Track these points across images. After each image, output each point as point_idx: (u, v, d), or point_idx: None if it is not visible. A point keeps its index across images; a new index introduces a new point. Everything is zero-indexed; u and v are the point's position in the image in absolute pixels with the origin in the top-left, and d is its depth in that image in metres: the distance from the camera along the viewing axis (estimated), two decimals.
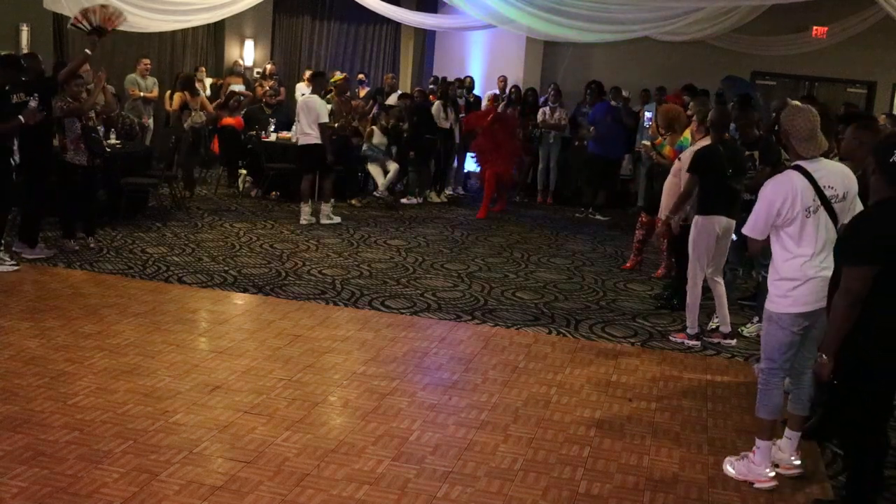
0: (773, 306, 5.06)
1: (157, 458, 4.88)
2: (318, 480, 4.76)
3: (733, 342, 7.60)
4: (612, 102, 13.91)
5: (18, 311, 7.40)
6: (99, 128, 9.98)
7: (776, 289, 5.05)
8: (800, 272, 4.92)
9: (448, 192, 15.01)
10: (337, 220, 11.98)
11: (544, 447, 5.40)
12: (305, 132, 11.64)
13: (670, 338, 7.75)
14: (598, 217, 13.69)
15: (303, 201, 11.88)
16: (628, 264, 10.36)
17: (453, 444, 5.36)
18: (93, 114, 9.66)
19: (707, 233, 7.33)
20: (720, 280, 7.58)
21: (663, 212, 8.45)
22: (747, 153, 7.88)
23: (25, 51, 12.74)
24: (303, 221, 11.74)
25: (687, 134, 8.73)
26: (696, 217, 7.40)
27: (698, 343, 7.60)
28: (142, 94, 13.82)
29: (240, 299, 8.26)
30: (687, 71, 15.32)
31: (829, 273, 4.64)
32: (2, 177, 8.48)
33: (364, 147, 13.75)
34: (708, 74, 14.99)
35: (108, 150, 10.27)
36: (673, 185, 8.30)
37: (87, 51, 9.30)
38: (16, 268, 8.59)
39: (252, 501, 4.50)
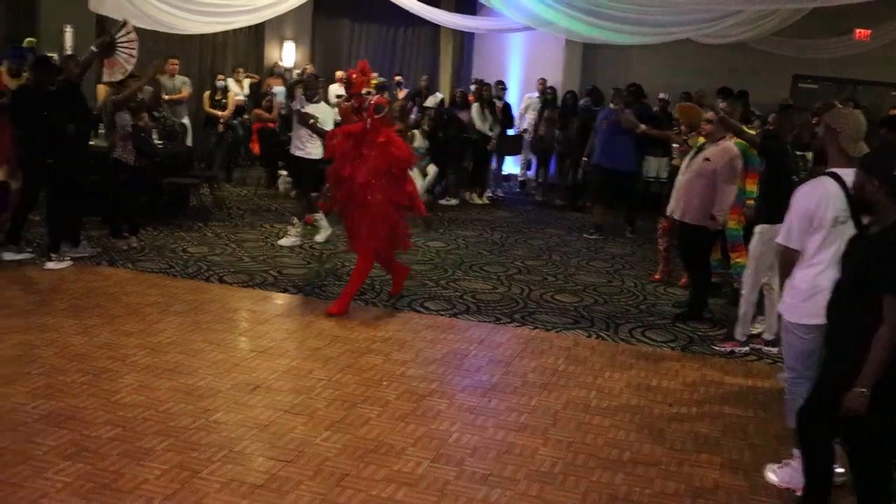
0: (788, 315, 4.97)
1: (199, 456, 4.91)
2: (358, 481, 4.77)
3: (775, 350, 7.51)
4: (612, 106, 12.58)
5: (63, 308, 7.49)
6: (152, 130, 10.07)
7: (790, 296, 4.95)
8: (813, 283, 4.80)
9: (488, 193, 15.00)
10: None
11: (584, 451, 5.38)
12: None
13: (716, 347, 7.63)
14: (630, 232, 12.56)
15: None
16: (657, 276, 9.97)
17: (492, 446, 5.35)
18: (145, 115, 9.78)
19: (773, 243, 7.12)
20: (776, 287, 7.42)
21: (676, 211, 8.30)
22: (799, 153, 7.78)
23: (69, 52, 12.90)
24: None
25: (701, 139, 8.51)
26: (762, 226, 7.14)
27: (747, 349, 7.53)
28: (166, 96, 13.75)
29: (280, 299, 8.30)
30: (728, 74, 15.16)
31: None
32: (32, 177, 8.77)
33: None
34: (749, 77, 14.86)
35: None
36: (702, 187, 7.99)
37: (93, 48, 9.31)
38: (69, 264, 8.73)
39: (292, 500, 4.52)
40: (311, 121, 9.42)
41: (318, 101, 10.36)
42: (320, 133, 9.68)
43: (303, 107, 10.10)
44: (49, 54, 10.51)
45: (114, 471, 4.69)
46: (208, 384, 5.99)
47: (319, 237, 10.68)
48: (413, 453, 5.16)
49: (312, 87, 10.49)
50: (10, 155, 9.08)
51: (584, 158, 13.27)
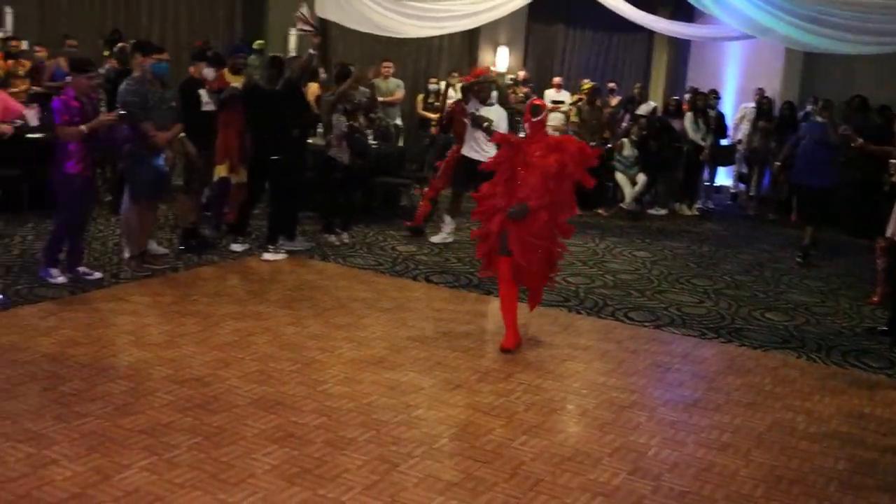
0: None
1: (398, 450, 5.02)
2: (553, 487, 4.76)
3: None
4: (818, 119, 11.62)
5: (277, 298, 7.83)
6: (367, 131, 10.40)
7: None
8: None
9: (698, 205, 14.67)
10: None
11: (788, 476, 5.17)
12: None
13: None
14: (798, 259, 11.19)
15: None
16: (876, 298, 9.38)
17: (692, 463, 5.22)
18: (360, 116, 10.13)
19: None
20: None
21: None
22: None
23: (292, 54, 13.49)
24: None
25: None
26: None
27: None
28: (381, 98, 13.99)
29: (484, 302, 8.38)
30: None
31: None
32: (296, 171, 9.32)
33: (615, 157, 13.65)
34: None
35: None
36: None
37: (311, 51, 9.65)
38: (284, 256, 9.15)
39: (485, 501, 4.55)
40: (486, 124, 9.37)
41: (491, 104, 10.26)
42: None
43: (477, 110, 10.01)
44: (275, 55, 11.01)
45: (317, 458, 4.86)
46: (411, 380, 6.12)
47: (437, 237, 10.69)
48: (610, 464, 5.10)
49: (486, 89, 10.38)
50: (233, 151, 9.54)
51: (777, 163, 12.71)
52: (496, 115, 9.72)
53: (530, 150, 6.89)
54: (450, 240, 10.54)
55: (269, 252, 9.17)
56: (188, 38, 14.79)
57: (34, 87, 12.35)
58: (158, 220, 9.50)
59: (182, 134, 8.65)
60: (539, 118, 7.01)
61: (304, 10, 10.05)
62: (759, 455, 5.42)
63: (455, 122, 10.72)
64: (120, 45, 11.49)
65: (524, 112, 7.18)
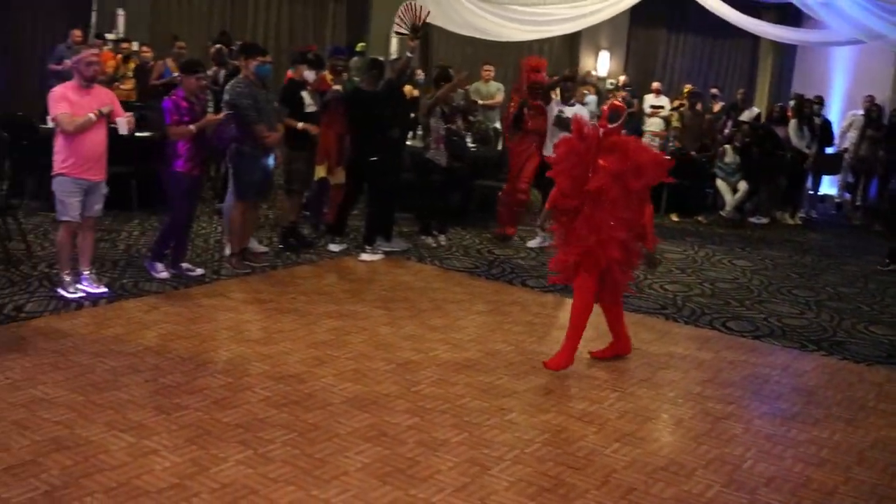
0: None
1: (490, 453, 5.02)
2: (645, 497, 4.70)
3: None
4: None
5: (373, 298, 7.92)
6: (465, 134, 10.43)
7: None
8: None
9: (801, 214, 14.35)
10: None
11: (890, 496, 5.01)
12: None
13: None
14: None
15: None
16: None
17: (789, 478, 5.10)
18: (458, 119, 10.17)
19: None
20: None
21: None
22: None
23: (394, 56, 13.62)
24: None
25: None
26: None
27: None
28: (480, 101, 13.98)
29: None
30: None
31: None
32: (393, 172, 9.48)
33: (717, 164, 13.44)
34: None
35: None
36: None
37: (409, 53, 9.72)
38: (381, 257, 9.26)
39: None
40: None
41: (573, 104, 10.23)
42: None
43: (561, 111, 10.00)
44: (375, 57, 11.13)
45: (409, 458, 4.89)
46: (504, 384, 6.12)
47: (533, 242, 10.65)
48: (703, 476, 5.02)
49: (569, 88, 10.35)
50: (332, 152, 9.64)
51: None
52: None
53: (604, 150, 6.32)
54: (546, 244, 10.48)
55: (366, 252, 9.28)
56: (293, 42, 15.05)
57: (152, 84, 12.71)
58: (260, 219, 9.67)
59: (300, 124, 8.81)
60: (616, 125, 6.38)
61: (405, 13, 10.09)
62: (860, 473, 5.27)
63: (528, 117, 10.43)
64: (217, 46, 11.76)
65: (601, 116, 6.66)
